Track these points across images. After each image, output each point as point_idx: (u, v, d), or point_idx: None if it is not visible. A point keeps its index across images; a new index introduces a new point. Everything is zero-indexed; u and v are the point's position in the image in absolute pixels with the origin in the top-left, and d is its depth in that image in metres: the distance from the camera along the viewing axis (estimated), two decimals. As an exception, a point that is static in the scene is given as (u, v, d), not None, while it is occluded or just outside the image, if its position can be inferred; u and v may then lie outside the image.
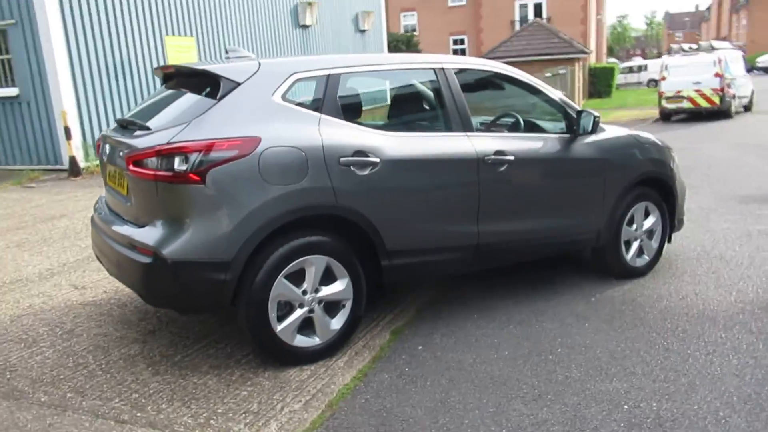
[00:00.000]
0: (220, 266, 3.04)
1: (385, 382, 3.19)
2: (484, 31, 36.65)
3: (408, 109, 4.25)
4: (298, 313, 3.29)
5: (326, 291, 3.36)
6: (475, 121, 4.01)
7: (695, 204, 6.74)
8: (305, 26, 16.43)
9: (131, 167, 3.14)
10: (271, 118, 3.22)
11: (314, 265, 3.28)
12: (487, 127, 4.41)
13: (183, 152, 3.00)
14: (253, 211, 3.06)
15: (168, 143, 3.04)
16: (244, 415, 2.89)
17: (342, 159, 3.29)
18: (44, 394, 3.14)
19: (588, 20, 34.95)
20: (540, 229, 4.14)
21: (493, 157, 3.82)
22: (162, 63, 11.57)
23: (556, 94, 4.32)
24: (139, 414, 2.92)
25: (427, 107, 4.04)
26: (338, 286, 3.39)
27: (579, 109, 4.26)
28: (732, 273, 4.66)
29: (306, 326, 3.35)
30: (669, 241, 5.07)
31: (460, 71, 3.98)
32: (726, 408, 2.83)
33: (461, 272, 4.26)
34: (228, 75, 3.27)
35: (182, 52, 12.00)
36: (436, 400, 3.00)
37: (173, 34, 11.76)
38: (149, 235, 3.11)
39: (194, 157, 3.00)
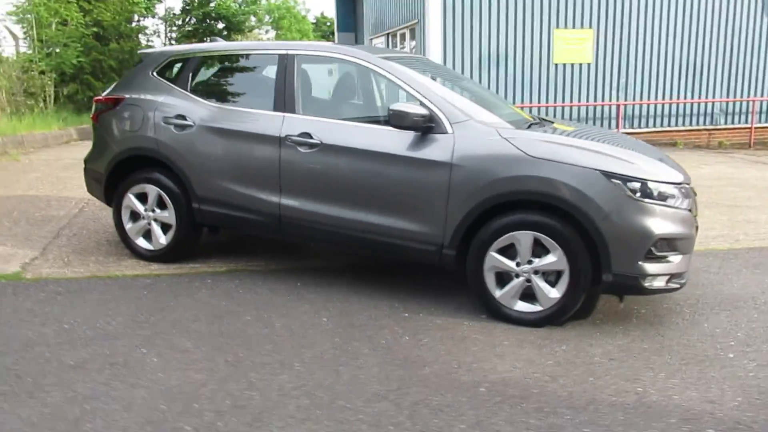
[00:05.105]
0: (99, 175, 4.77)
1: (154, 282, 4.24)
2: None
3: (240, 88, 4.68)
4: (140, 222, 4.62)
5: (159, 213, 4.55)
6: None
7: None
8: (788, 13, 13.40)
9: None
10: (144, 86, 4.64)
11: (149, 192, 4.54)
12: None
13: (95, 102, 4.88)
14: (113, 143, 4.65)
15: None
16: (62, 265, 4.62)
17: (165, 118, 4.43)
18: (46, 251, 5.61)
19: None
20: (354, 222, 3.95)
21: (295, 137, 4.05)
22: (547, 54, 12.26)
23: (424, 92, 3.89)
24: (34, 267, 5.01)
25: (258, 88, 4.48)
26: (166, 213, 4.54)
27: (415, 105, 3.74)
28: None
29: (147, 234, 4.66)
30: (620, 300, 3.73)
31: (308, 58, 4.30)
32: None
33: (271, 236, 4.43)
34: (142, 55, 4.86)
35: (572, 44, 12.28)
36: (136, 308, 3.78)
37: (566, 27, 12.17)
38: None
39: (95, 106, 4.83)
